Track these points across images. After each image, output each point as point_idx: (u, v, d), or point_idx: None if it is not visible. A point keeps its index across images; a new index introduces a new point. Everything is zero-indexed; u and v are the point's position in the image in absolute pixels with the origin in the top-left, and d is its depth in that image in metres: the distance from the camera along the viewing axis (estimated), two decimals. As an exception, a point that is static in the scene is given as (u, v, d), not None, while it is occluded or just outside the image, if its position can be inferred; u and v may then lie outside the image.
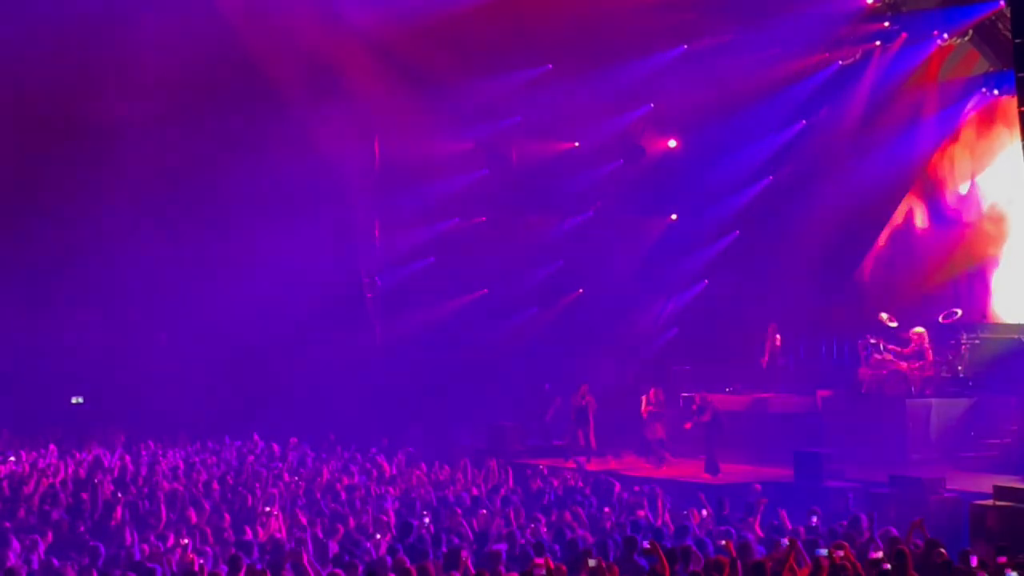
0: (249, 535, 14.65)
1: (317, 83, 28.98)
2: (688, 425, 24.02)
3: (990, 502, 17.69)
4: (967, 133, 26.97)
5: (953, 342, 24.24)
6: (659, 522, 15.80)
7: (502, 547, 13.18)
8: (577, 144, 30.50)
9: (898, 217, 27.78)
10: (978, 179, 26.86)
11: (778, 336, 26.18)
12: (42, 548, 13.95)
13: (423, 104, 29.07)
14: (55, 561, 12.99)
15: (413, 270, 31.62)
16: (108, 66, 27.37)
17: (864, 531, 14.54)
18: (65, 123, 28.27)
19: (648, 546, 12.70)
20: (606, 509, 17.13)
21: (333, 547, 13.91)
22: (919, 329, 24.01)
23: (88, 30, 25.83)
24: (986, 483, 18.77)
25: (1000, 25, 24.79)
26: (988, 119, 26.60)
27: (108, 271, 29.57)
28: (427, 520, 15.60)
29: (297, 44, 28.34)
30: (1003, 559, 11.96)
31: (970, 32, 25.83)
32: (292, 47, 28.32)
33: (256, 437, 25.63)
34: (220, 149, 28.44)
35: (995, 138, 26.40)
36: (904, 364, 23.64)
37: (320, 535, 14.62)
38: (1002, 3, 23.76)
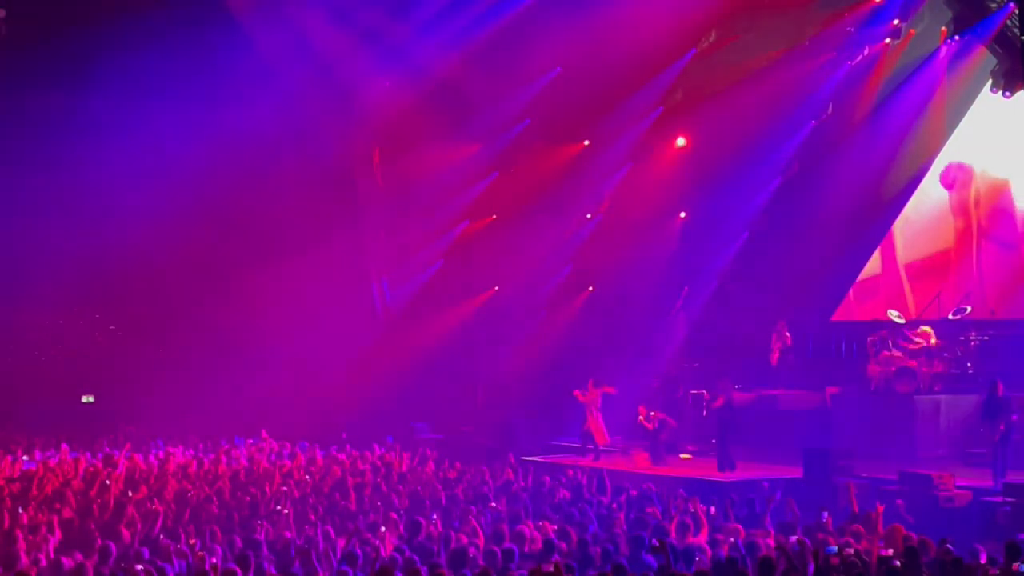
0: (259, 533, 14.67)
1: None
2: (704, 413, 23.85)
3: (999, 498, 17.73)
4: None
5: (963, 338, 24.19)
6: (668, 520, 15.77)
7: (511, 545, 13.18)
8: (587, 143, 30.51)
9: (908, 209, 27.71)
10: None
11: (788, 333, 26.15)
12: (51, 546, 13.97)
13: (433, 109, 29.10)
14: (64, 560, 13.01)
15: (424, 271, 31.66)
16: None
17: (873, 528, 14.52)
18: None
19: (656, 544, 12.70)
20: (614, 506, 17.13)
21: (342, 545, 13.93)
22: (927, 328, 24.00)
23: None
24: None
25: (1009, 22, 24.73)
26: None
27: (114, 276, 29.72)
28: (436, 518, 15.62)
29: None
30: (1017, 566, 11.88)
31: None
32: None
33: (265, 435, 25.67)
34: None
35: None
36: (913, 361, 23.61)
37: (330, 533, 14.64)
38: (1012, 5, 23.72)
